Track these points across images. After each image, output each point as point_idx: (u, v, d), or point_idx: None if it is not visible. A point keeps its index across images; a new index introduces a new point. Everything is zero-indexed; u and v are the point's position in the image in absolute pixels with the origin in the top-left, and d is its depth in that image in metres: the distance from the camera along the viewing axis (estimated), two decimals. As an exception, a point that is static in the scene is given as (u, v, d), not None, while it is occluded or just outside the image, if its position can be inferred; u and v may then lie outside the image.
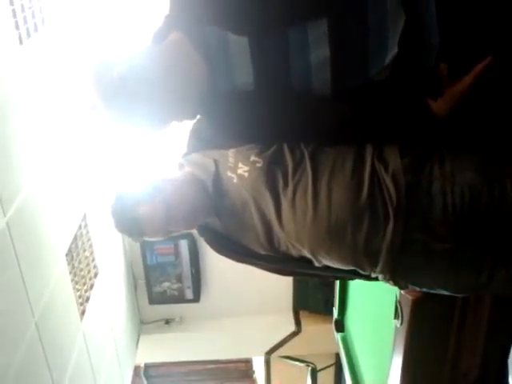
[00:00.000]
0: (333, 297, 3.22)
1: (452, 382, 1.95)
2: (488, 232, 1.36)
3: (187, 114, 1.46)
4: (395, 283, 1.49)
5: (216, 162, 1.54)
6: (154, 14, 3.55)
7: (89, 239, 3.36)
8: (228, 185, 1.51)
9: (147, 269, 4.52)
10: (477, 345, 1.88)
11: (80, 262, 3.19)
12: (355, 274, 1.52)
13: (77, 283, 3.12)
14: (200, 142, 1.62)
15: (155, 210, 1.48)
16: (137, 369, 5.27)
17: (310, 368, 4.91)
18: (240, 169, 1.49)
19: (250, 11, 1.29)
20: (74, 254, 3.09)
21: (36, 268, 2.56)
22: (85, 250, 3.29)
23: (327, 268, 1.52)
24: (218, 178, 1.53)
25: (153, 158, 4.09)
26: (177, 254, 4.45)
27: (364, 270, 1.48)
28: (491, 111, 1.42)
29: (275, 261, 1.56)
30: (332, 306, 3.24)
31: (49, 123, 2.75)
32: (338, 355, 4.27)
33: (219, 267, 4.51)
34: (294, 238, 1.47)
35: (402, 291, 1.81)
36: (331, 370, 5.34)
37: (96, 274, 3.49)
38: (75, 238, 3.10)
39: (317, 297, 4.58)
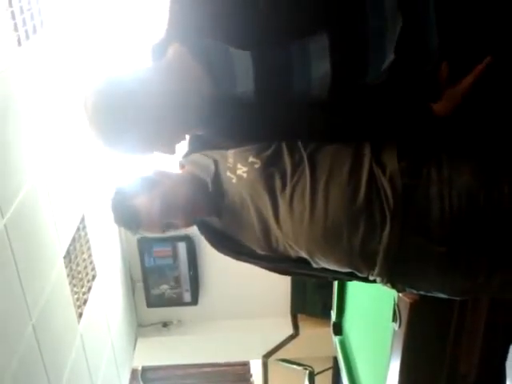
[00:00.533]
0: (331, 300, 3.21)
1: (450, 385, 1.95)
2: (485, 235, 1.36)
3: (191, 128, 1.48)
4: (393, 286, 1.49)
5: (216, 162, 1.55)
6: (151, 19, 3.56)
7: (87, 241, 3.36)
8: (227, 185, 1.52)
9: (145, 271, 4.51)
10: (475, 347, 1.88)
11: (78, 265, 3.19)
12: (353, 276, 1.53)
13: (75, 286, 3.12)
14: (200, 142, 1.63)
15: (152, 202, 1.50)
16: (134, 372, 5.25)
17: (307, 371, 4.90)
18: (239, 169, 1.50)
19: (253, 27, 1.31)
20: (72, 257, 3.09)
21: (34, 270, 2.56)
22: (83, 253, 3.29)
23: (325, 269, 1.53)
24: (217, 178, 1.54)
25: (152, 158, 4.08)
26: (175, 256, 4.44)
27: (361, 273, 1.48)
28: (489, 115, 1.43)
29: (273, 260, 1.57)
30: (330, 309, 3.24)
31: (48, 125, 2.75)
32: (335, 359, 4.25)
33: (217, 270, 4.52)
34: (291, 239, 1.47)
35: (400, 294, 1.81)
36: (329, 374, 5.33)
37: (94, 277, 3.49)
38: (73, 240, 3.10)
39: (315, 300, 4.58)
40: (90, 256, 3.41)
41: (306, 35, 1.30)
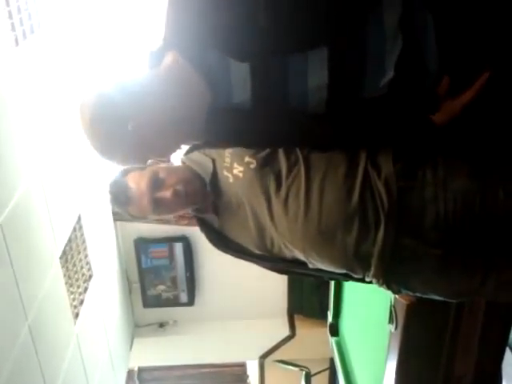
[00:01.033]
0: (327, 301, 3.21)
1: (446, 387, 1.95)
2: (480, 238, 1.36)
3: (187, 138, 1.48)
4: (388, 288, 1.49)
5: (214, 161, 1.56)
6: (149, 20, 3.56)
7: (83, 242, 3.36)
8: (224, 184, 1.53)
9: (142, 272, 4.51)
10: (471, 349, 1.88)
11: (74, 265, 3.18)
12: (349, 277, 1.53)
13: (71, 286, 3.12)
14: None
15: (141, 176, 1.50)
16: (130, 372, 5.25)
17: (304, 372, 4.89)
18: (235, 169, 1.51)
19: (252, 40, 1.31)
20: (68, 257, 3.08)
21: (30, 270, 2.55)
22: (79, 253, 3.29)
23: (321, 269, 1.53)
24: (215, 177, 1.55)
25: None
26: (171, 257, 4.44)
27: (356, 274, 1.49)
28: (484, 118, 1.43)
29: (270, 260, 1.57)
30: (326, 310, 3.24)
31: (44, 125, 2.75)
32: (332, 360, 4.26)
33: (214, 271, 4.52)
34: (286, 239, 1.48)
35: (397, 296, 1.81)
36: (325, 375, 5.33)
37: (90, 277, 3.48)
38: (69, 240, 3.10)
39: (311, 301, 4.58)
40: (86, 256, 3.41)
41: (305, 49, 1.31)
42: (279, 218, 1.46)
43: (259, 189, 1.47)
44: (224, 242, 1.61)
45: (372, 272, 1.43)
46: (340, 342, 3.09)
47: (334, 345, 3.09)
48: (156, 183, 1.49)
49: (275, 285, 4.50)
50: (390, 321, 1.93)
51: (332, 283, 3.08)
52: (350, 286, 2.92)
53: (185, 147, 1.66)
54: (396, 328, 1.91)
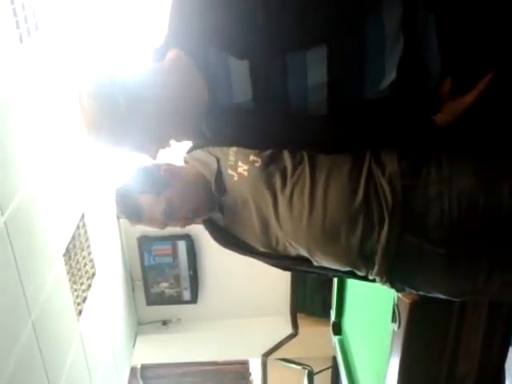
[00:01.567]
0: (330, 299, 3.21)
1: (449, 386, 1.95)
2: (484, 237, 1.36)
3: (186, 133, 1.48)
4: (392, 286, 1.49)
5: (218, 159, 1.56)
6: (151, 18, 3.56)
7: (87, 239, 3.36)
8: (229, 182, 1.54)
9: (145, 270, 4.52)
10: (474, 348, 1.88)
11: (78, 262, 3.19)
12: (353, 274, 1.53)
13: (74, 283, 3.12)
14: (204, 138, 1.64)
15: (157, 203, 1.53)
16: (133, 370, 5.26)
17: (306, 371, 4.89)
18: (240, 167, 1.51)
19: (252, 38, 1.32)
20: (72, 254, 3.09)
21: (33, 268, 2.56)
22: (83, 250, 3.29)
23: (325, 267, 1.53)
24: (219, 176, 1.55)
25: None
26: (174, 255, 4.45)
27: (360, 272, 1.49)
28: (488, 117, 1.43)
29: (274, 257, 1.58)
30: (329, 308, 3.24)
31: (48, 122, 2.75)
32: (334, 358, 4.25)
33: (217, 269, 4.52)
34: (291, 237, 1.48)
35: (400, 294, 1.81)
36: (328, 373, 5.32)
37: (93, 275, 3.49)
38: (73, 237, 3.10)
39: (314, 299, 4.58)
40: (89, 254, 3.41)
41: (304, 47, 1.31)
42: (284, 217, 1.46)
43: (264, 187, 1.47)
44: (229, 239, 1.62)
45: (376, 270, 1.43)
46: (343, 340, 3.10)
47: (336, 343, 3.10)
48: (171, 213, 1.53)
49: (278, 283, 4.50)
50: (393, 319, 1.93)
51: (335, 282, 3.08)
52: (352, 285, 2.93)
53: (186, 145, 1.67)
54: (399, 327, 1.91)
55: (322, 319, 4.27)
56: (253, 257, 1.61)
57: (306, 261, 1.54)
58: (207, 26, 1.34)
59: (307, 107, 1.40)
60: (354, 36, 1.32)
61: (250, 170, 1.50)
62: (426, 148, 1.42)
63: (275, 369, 5.32)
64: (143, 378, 5.72)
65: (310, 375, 4.88)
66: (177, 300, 4.64)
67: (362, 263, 1.45)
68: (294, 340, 4.76)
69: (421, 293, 1.53)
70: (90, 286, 3.40)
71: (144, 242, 4.41)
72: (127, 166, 4.04)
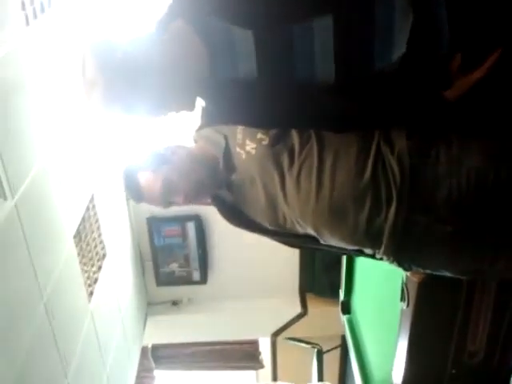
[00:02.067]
0: (339, 279, 3.22)
1: (457, 363, 1.96)
2: (492, 216, 1.36)
3: (185, 103, 1.48)
4: (399, 265, 1.50)
5: (226, 137, 1.56)
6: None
7: (96, 221, 3.38)
8: (237, 160, 1.54)
9: (155, 250, 4.54)
10: (483, 327, 1.88)
11: (88, 244, 3.21)
12: (361, 252, 1.53)
13: (85, 265, 3.14)
14: (211, 117, 1.64)
15: (154, 180, 1.54)
16: (144, 349, 5.31)
17: (315, 350, 4.93)
18: (248, 145, 1.51)
19: (256, 8, 1.31)
20: (82, 236, 3.11)
21: (44, 250, 2.58)
22: (93, 232, 3.31)
23: (332, 246, 1.54)
24: (227, 154, 1.56)
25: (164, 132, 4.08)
26: (184, 235, 4.46)
27: (367, 251, 1.49)
28: (497, 95, 1.42)
29: (282, 235, 1.59)
30: (338, 288, 3.25)
31: (56, 104, 2.75)
32: (343, 337, 4.29)
33: (226, 249, 4.53)
34: (298, 215, 1.49)
35: (408, 273, 1.82)
36: (337, 352, 5.37)
37: (104, 256, 3.51)
38: (83, 219, 3.12)
39: (323, 279, 4.59)
40: (99, 235, 3.43)
41: (310, 16, 1.29)
42: (291, 195, 1.46)
43: (272, 165, 1.47)
44: (237, 217, 1.62)
45: (383, 249, 1.43)
46: (352, 319, 3.11)
47: (345, 322, 3.11)
48: (169, 188, 1.54)
49: (287, 263, 4.52)
50: (402, 298, 1.94)
51: (344, 261, 3.08)
52: (361, 264, 2.93)
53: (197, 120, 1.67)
54: (408, 306, 1.92)
55: (331, 298, 4.29)
56: (261, 234, 1.62)
57: (313, 239, 1.55)
58: None
59: (315, 78, 1.38)
60: (361, 7, 1.30)
61: (258, 148, 1.50)
62: (435, 128, 1.42)
63: (284, 348, 5.37)
64: (154, 357, 5.77)
65: (320, 354, 4.92)
66: (187, 280, 4.67)
67: (368, 242, 1.45)
68: (303, 320, 4.79)
69: (428, 271, 1.53)
70: (100, 267, 3.42)
71: (153, 223, 4.43)
72: (135, 148, 4.05)
